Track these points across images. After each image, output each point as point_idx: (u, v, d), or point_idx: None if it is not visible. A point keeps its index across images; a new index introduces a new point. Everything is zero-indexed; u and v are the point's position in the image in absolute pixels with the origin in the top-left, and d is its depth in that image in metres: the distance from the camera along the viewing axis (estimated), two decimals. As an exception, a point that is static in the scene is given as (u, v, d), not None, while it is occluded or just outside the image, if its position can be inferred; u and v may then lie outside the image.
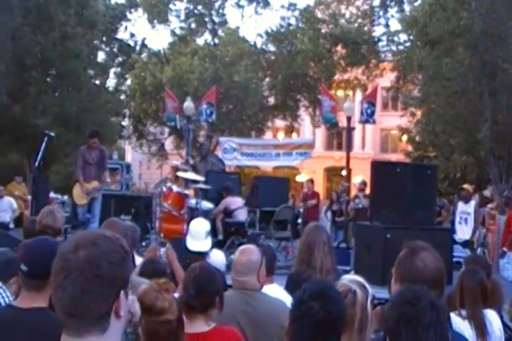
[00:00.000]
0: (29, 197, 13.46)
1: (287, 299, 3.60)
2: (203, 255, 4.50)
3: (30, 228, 4.62)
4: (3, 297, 3.03)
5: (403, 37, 26.37)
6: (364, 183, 12.22)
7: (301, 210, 13.12)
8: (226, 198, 9.72)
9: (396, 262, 2.32)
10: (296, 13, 28.87)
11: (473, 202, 10.04)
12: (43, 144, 8.53)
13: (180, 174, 9.79)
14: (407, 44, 25.07)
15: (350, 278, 2.50)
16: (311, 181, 14.20)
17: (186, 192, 8.92)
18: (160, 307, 2.08)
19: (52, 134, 8.93)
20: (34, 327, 2.14)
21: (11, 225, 13.31)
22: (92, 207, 8.77)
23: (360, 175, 25.00)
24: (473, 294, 3.37)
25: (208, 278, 2.70)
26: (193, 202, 8.89)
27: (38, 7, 18.69)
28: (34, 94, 18.72)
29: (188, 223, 8.08)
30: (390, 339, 1.78)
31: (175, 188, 8.65)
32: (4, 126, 18.74)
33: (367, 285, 2.50)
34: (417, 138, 24.99)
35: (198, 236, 4.69)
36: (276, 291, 3.66)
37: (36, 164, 8.70)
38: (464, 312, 3.33)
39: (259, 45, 29.21)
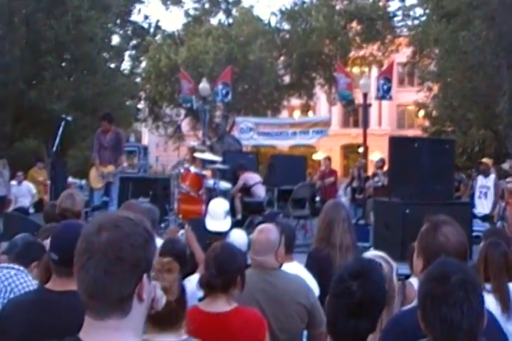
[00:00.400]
0: (48, 182, 13.63)
1: (307, 276, 3.64)
2: (222, 235, 4.52)
3: (51, 212, 4.68)
4: (25, 281, 3.07)
5: (419, 11, 25.92)
6: (382, 161, 12.13)
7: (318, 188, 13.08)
8: (243, 174, 9.71)
9: (418, 236, 2.31)
10: (310, -10, 28.46)
11: (492, 176, 9.93)
12: (60, 129, 8.49)
13: (197, 155, 9.81)
14: (423, 18, 24.61)
15: (373, 254, 2.51)
16: (329, 159, 14.14)
17: (204, 172, 8.93)
18: None
19: (69, 118, 8.93)
20: (67, 308, 2.15)
21: (31, 210, 13.51)
22: (109, 191, 8.69)
23: (378, 151, 24.86)
24: (498, 267, 3.33)
25: (229, 257, 2.71)
26: (210, 182, 8.91)
27: (51, -9, 18.65)
28: (49, 79, 18.77)
29: (207, 204, 8.15)
30: (419, 316, 1.77)
31: (192, 169, 8.67)
32: (21, 111, 18.88)
33: (390, 259, 2.51)
34: (434, 113, 24.68)
35: (217, 216, 4.71)
36: (297, 269, 3.68)
37: (54, 149, 8.68)
38: (488, 286, 3.28)
39: (273, 24, 28.92)
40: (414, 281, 3.44)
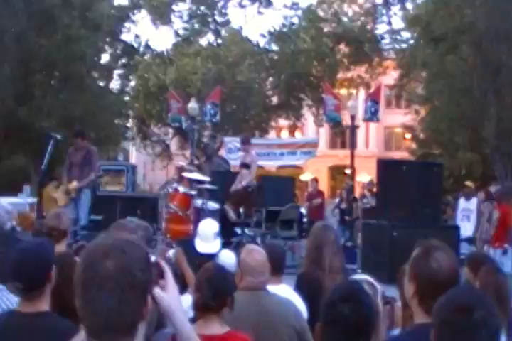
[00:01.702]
0: (35, 200, 13.51)
1: (296, 299, 3.63)
2: (212, 256, 4.52)
3: (39, 230, 4.69)
4: (7, 299, 3.03)
5: (406, 35, 26.36)
6: (372, 183, 12.21)
7: (304, 209, 13.11)
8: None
9: (410, 261, 2.32)
10: (299, 12, 28.86)
11: (474, 199, 10.01)
12: (49, 147, 8.43)
13: (185, 174, 9.80)
14: (411, 42, 25.03)
15: (358, 277, 2.52)
16: (316, 180, 14.21)
17: (192, 192, 8.92)
18: None
19: (58, 136, 8.83)
20: (39, 331, 2.15)
21: (18, 228, 13.31)
22: (77, 207, 8.41)
23: (365, 172, 25.00)
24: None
25: (223, 278, 2.73)
26: (199, 202, 8.90)
27: (42, 10, 18.75)
28: (39, 96, 18.79)
29: (195, 223, 8.14)
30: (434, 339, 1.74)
31: (181, 189, 8.65)
32: (10, 129, 18.81)
33: (376, 283, 2.52)
34: (422, 136, 24.96)
35: (207, 237, 4.71)
36: (286, 292, 3.67)
37: (43, 167, 8.61)
38: None
39: (262, 45, 29.23)
40: (401, 304, 3.46)
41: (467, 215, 9.84)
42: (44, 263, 2.49)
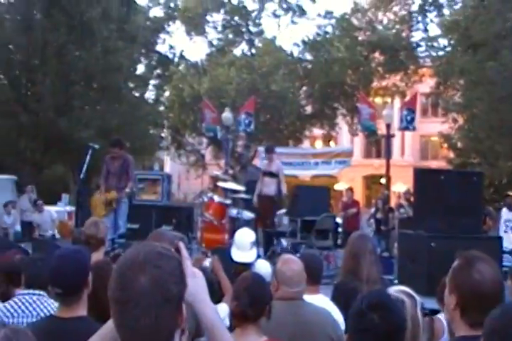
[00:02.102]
0: (73, 208, 13.80)
1: (334, 310, 3.59)
2: (248, 265, 4.51)
3: (78, 238, 4.78)
4: (48, 305, 3.08)
5: (443, 41, 25.99)
6: (410, 192, 12.04)
7: (340, 219, 13.01)
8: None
9: (450, 273, 2.25)
10: (333, 21, 28.83)
11: (518, 210, 9.79)
12: (88, 156, 8.56)
13: (220, 184, 9.86)
14: (448, 49, 24.67)
15: (396, 289, 2.48)
16: (351, 190, 14.09)
17: (227, 201, 8.96)
18: None
19: (97, 146, 8.99)
20: (76, 336, 2.18)
21: (57, 236, 13.63)
22: (116, 216, 8.44)
23: (400, 182, 24.66)
24: None
25: (261, 287, 2.74)
26: (234, 211, 8.92)
27: (82, 24, 19.25)
28: (78, 107, 19.22)
29: (230, 233, 8.16)
30: None
31: (216, 198, 8.71)
32: (50, 139, 19.29)
33: (414, 294, 2.47)
34: (459, 145, 24.51)
35: (243, 247, 4.70)
36: (323, 302, 3.63)
37: (82, 176, 8.75)
38: None
39: (295, 54, 29.27)
40: (443, 317, 3.37)
41: (511, 226, 9.60)
42: (81, 269, 2.55)
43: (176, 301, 1.27)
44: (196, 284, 1.46)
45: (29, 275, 3.17)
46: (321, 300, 3.63)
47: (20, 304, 3.03)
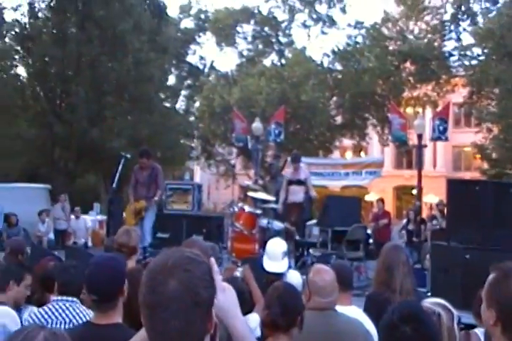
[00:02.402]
0: (104, 217, 13.99)
1: (366, 321, 3.53)
2: (279, 275, 4.49)
3: (110, 246, 4.81)
4: (80, 311, 3.10)
5: (477, 50, 25.62)
6: (443, 203, 11.84)
7: (370, 230, 12.86)
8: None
9: (487, 287, 2.18)
10: (363, 31, 28.77)
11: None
12: (120, 166, 8.65)
13: (250, 194, 9.85)
14: (481, 58, 24.31)
15: (432, 301, 2.42)
16: (382, 200, 13.96)
17: (258, 211, 8.94)
18: None
19: (128, 156, 9.08)
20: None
21: (89, 243, 13.82)
22: (144, 225, 8.43)
23: (432, 193, 24.29)
24: None
25: (292, 296, 2.72)
26: (264, 221, 8.90)
27: (115, 36, 19.64)
28: (110, 118, 19.56)
29: (260, 243, 8.14)
30: None
31: (247, 208, 8.70)
32: (83, 149, 19.65)
33: (451, 307, 2.41)
34: (494, 155, 24.04)
35: (275, 257, 4.69)
36: (355, 313, 3.59)
37: (114, 185, 8.83)
38: None
39: (325, 65, 29.26)
40: (480, 332, 3.28)
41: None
42: (117, 276, 2.57)
43: (206, 306, 1.27)
44: (226, 299, 1.47)
45: (62, 282, 3.21)
46: (353, 311, 3.59)
47: (54, 310, 3.08)
